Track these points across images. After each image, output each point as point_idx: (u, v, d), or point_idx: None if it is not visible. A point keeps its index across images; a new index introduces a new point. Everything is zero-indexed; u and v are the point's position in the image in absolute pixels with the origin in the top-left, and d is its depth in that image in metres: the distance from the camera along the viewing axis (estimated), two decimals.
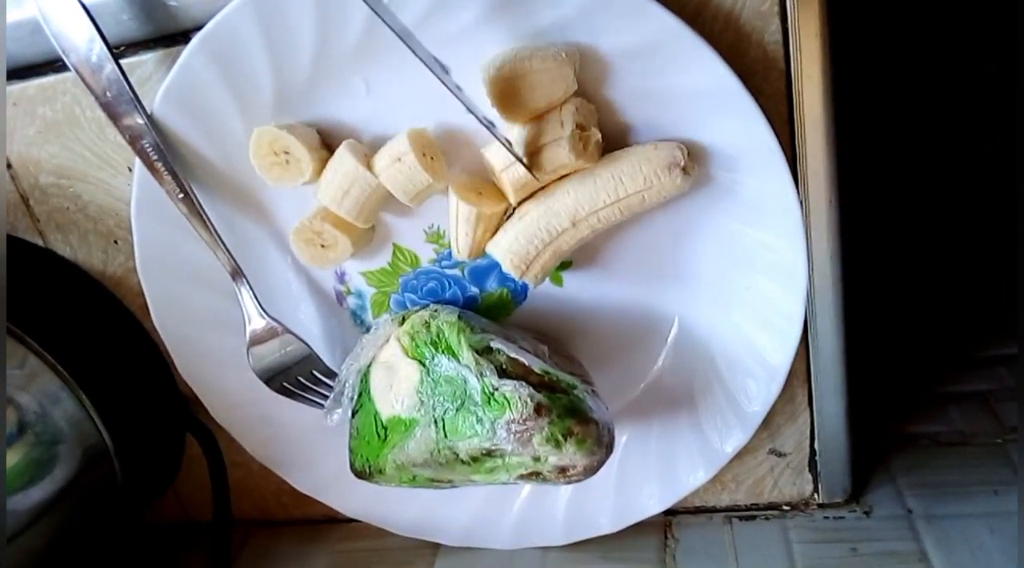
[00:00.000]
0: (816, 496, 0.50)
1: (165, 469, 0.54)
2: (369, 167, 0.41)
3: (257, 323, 0.45)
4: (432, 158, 0.41)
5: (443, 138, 0.41)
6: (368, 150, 0.42)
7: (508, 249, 0.41)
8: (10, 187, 0.49)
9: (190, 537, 0.58)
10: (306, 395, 0.47)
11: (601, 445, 0.38)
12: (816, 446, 0.49)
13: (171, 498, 0.58)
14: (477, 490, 0.50)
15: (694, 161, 0.39)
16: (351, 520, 0.55)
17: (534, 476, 0.40)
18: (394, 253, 0.46)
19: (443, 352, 0.41)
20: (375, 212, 0.43)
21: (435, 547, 0.53)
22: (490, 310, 0.46)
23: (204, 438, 0.52)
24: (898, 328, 0.67)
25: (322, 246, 0.44)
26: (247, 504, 0.57)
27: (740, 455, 0.49)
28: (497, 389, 0.38)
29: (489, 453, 0.39)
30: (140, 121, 0.41)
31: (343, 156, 0.41)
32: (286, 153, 0.41)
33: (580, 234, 0.40)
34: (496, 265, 0.45)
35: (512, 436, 0.38)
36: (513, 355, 0.40)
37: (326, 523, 0.57)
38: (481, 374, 0.39)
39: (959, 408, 0.57)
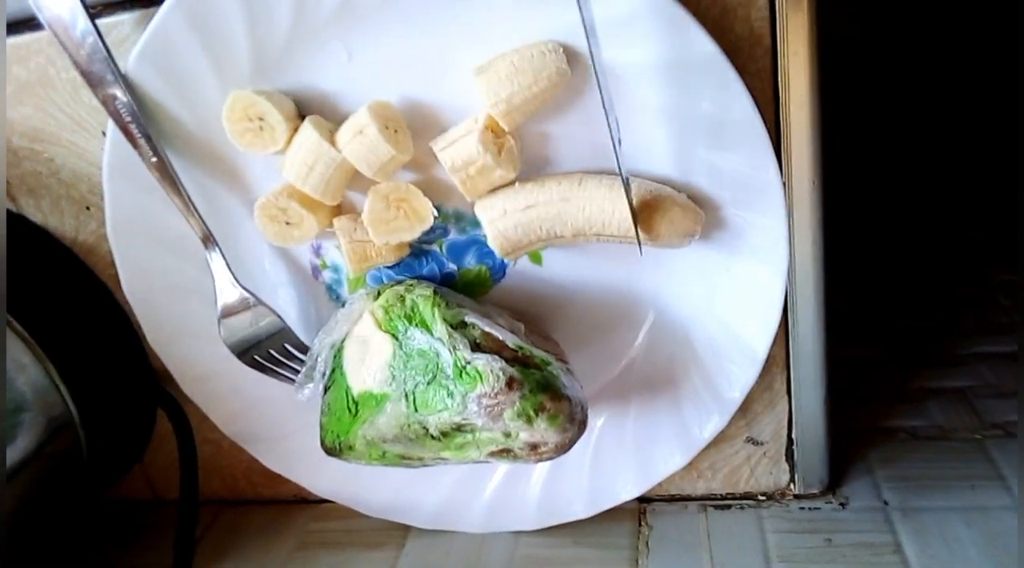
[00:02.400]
0: (792, 486, 0.50)
1: (133, 444, 0.53)
2: (333, 142, 0.40)
3: (229, 293, 0.44)
4: (396, 131, 0.40)
5: (416, 111, 0.41)
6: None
7: (502, 233, 0.40)
8: None
9: (157, 515, 0.57)
10: (278, 370, 0.47)
11: (573, 422, 0.38)
12: (794, 435, 0.48)
13: (138, 475, 0.57)
14: (449, 472, 0.50)
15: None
16: (321, 501, 0.54)
17: (505, 453, 0.39)
18: None
19: (416, 325, 0.40)
20: (341, 188, 0.42)
21: (406, 529, 0.52)
22: (468, 287, 0.46)
23: (174, 412, 0.51)
24: (878, 323, 0.67)
25: (287, 223, 0.42)
26: (216, 482, 0.56)
27: (717, 443, 0.48)
28: (469, 362, 0.38)
29: (459, 428, 0.38)
30: (114, 82, 0.40)
31: (306, 131, 0.40)
32: (260, 119, 0.40)
33: (572, 241, 0.41)
34: (475, 242, 0.45)
35: (483, 410, 0.37)
36: (487, 330, 0.39)
37: (296, 503, 0.56)
38: (454, 347, 0.38)
39: (938, 403, 0.56)
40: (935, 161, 0.88)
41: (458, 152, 0.39)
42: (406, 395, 0.39)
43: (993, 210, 0.79)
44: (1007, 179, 0.79)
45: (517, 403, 0.37)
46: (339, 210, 0.44)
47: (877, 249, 0.77)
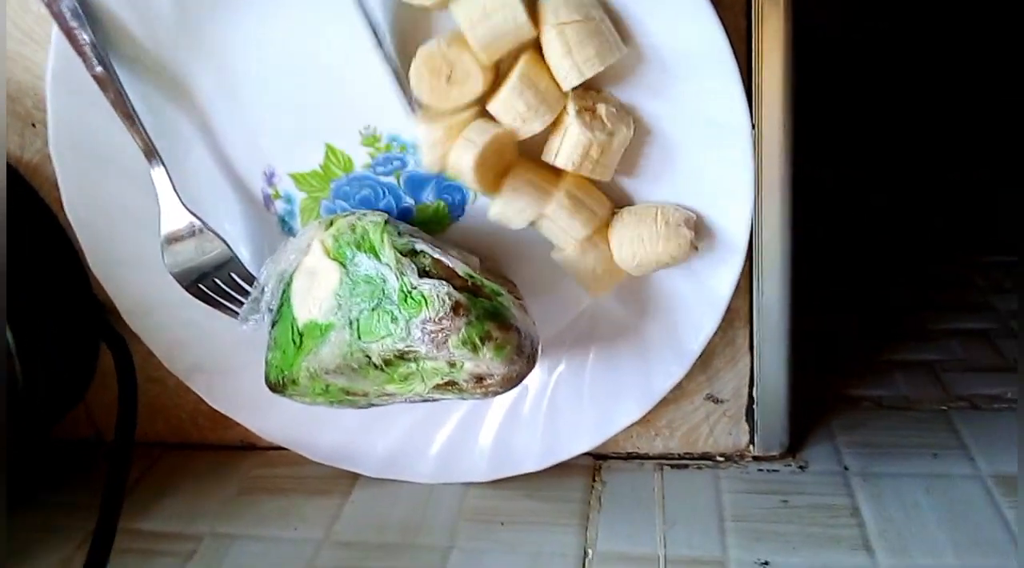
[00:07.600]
0: (751, 448, 0.49)
1: (74, 378, 0.51)
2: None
3: (175, 217, 0.42)
4: None
5: None
6: None
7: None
8: None
9: (99, 456, 0.55)
10: (224, 301, 0.45)
11: (521, 355, 0.36)
12: (755, 394, 0.47)
13: (82, 415, 0.55)
14: (400, 419, 0.48)
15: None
16: (269, 448, 0.52)
17: (451, 387, 0.37)
18: (326, 154, 0.43)
19: (365, 252, 0.39)
20: (503, 52, 0.37)
21: (353, 477, 0.50)
22: (425, 224, 0.44)
23: (115, 343, 0.49)
24: (849, 297, 0.66)
25: (448, 79, 0.37)
26: (160, 424, 0.54)
27: (676, 400, 0.47)
28: (415, 287, 0.36)
29: (403, 356, 0.37)
30: None
31: None
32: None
33: None
34: (435, 177, 0.43)
35: (427, 336, 0.35)
36: (438, 257, 0.38)
37: (242, 449, 0.54)
38: (401, 273, 0.37)
39: (905, 375, 0.55)
40: (916, 139, 0.87)
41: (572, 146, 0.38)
42: (350, 323, 0.38)
43: (976, 191, 0.78)
44: (991, 159, 0.78)
45: (463, 330, 0.35)
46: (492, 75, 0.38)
47: (853, 228, 0.76)
